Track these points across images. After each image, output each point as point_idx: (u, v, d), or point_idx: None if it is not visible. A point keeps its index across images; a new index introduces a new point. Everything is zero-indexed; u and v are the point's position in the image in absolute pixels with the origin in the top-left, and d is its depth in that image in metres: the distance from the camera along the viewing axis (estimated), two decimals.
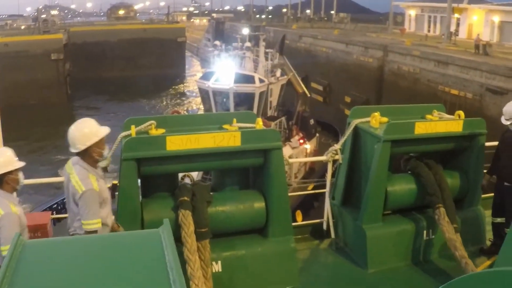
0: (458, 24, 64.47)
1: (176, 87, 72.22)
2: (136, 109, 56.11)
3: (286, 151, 24.62)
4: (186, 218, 5.85)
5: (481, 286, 1.83)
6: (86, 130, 5.23)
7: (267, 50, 30.57)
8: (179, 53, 78.47)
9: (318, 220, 8.23)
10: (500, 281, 1.76)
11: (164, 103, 63.13)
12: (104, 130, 5.31)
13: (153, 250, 2.57)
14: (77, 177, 5.19)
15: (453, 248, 6.77)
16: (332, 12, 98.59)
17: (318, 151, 29.88)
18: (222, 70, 27.48)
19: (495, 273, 1.85)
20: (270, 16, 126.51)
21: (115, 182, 6.33)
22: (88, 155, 5.24)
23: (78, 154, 5.27)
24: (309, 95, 34.74)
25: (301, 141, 28.86)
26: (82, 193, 5.12)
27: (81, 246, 2.78)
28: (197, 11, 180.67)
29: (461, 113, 7.64)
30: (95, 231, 5.13)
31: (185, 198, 6.04)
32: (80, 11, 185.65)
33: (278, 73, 30.47)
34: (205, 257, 5.83)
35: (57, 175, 9.80)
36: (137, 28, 79.31)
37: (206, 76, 28.39)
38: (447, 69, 36.99)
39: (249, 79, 27.11)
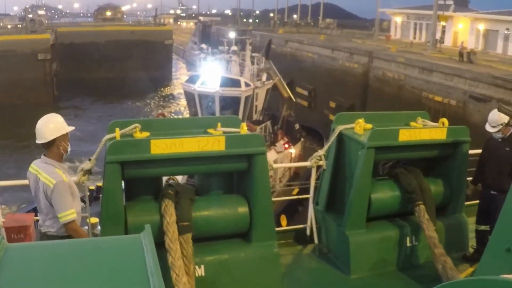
0: (443, 32, 65.01)
1: (163, 89, 71.95)
2: (122, 111, 55.90)
3: (271, 155, 24.60)
4: (168, 208, 5.88)
5: None
6: (54, 124, 5.58)
7: (253, 54, 30.49)
8: (166, 55, 78.10)
9: (301, 226, 8.20)
10: None
11: (151, 105, 62.91)
12: (70, 127, 5.73)
13: (134, 255, 2.55)
14: (44, 173, 5.46)
15: (433, 245, 6.79)
16: (319, 17, 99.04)
17: (303, 155, 29.89)
18: (208, 74, 27.37)
19: (477, 282, 1.83)
20: (257, 20, 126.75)
21: (99, 184, 6.31)
22: (55, 147, 5.56)
23: (45, 146, 5.54)
24: (294, 100, 34.78)
25: (286, 145, 28.84)
26: (53, 186, 5.38)
27: (62, 250, 2.75)
28: (184, 14, 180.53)
29: (445, 120, 7.67)
30: (72, 221, 5.45)
31: (169, 191, 6.09)
32: (67, 11, 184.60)
33: (264, 77, 30.39)
34: (187, 252, 5.76)
35: None
36: (125, 29, 78.71)
37: (192, 79, 28.23)
38: (431, 76, 37.28)
39: (235, 83, 27.03)
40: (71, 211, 5.45)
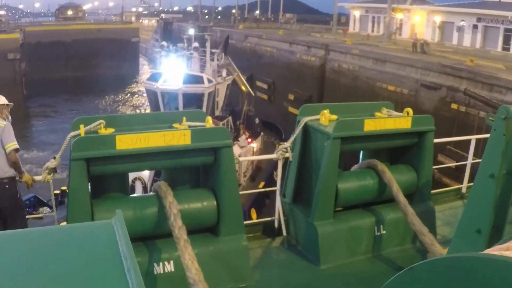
0: (401, 25, 65.75)
1: (131, 86, 71.17)
2: (91, 109, 55.47)
3: (235, 150, 24.37)
4: (172, 201, 5.85)
5: (441, 271, 1.79)
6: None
7: (213, 50, 30.25)
8: (133, 53, 77.42)
9: (269, 218, 7.96)
10: (457, 267, 1.73)
11: (119, 102, 62.27)
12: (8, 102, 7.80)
13: (106, 240, 2.39)
14: None
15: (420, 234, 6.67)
16: (280, 13, 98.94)
17: (263, 149, 29.95)
18: (170, 71, 26.86)
19: (453, 259, 1.78)
20: (219, 17, 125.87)
21: (64, 188, 6.05)
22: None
23: None
24: (253, 95, 34.72)
25: (249, 140, 28.73)
26: (4, 126, 7.37)
27: (31, 238, 2.55)
28: (146, 12, 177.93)
29: (410, 110, 7.54)
30: (18, 149, 7.37)
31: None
32: (28, 11, 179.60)
33: (224, 73, 30.22)
34: None
35: None
36: (91, 28, 77.77)
37: (153, 77, 27.67)
38: (384, 66, 37.65)
39: (197, 80, 26.72)
40: (14, 143, 7.32)
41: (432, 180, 7.83)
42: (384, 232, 7.35)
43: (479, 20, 54.01)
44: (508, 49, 49.42)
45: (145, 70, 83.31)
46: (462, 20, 54.98)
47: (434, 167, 7.82)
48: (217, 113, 28.69)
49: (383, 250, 7.34)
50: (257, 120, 32.10)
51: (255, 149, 28.88)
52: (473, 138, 9.53)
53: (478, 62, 34.44)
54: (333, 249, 7.04)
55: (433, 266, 1.81)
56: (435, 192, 8.14)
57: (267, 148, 30.63)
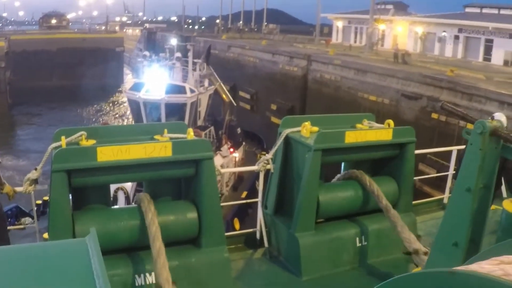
0: (383, 35, 66.19)
1: (115, 96, 70.78)
2: (75, 118, 55.29)
3: (217, 160, 24.29)
4: (153, 214, 5.80)
5: (415, 285, 1.79)
6: None
7: (195, 60, 30.21)
8: (117, 62, 77.06)
9: (251, 230, 7.92)
10: (433, 282, 1.73)
11: (103, 111, 61.97)
12: None
13: (80, 258, 2.39)
14: None
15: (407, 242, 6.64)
16: (264, 23, 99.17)
17: (245, 159, 29.87)
18: (153, 81, 26.73)
19: (429, 274, 1.77)
20: (203, 27, 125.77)
21: (46, 198, 5.99)
22: None
23: None
24: (235, 104, 34.77)
25: (231, 149, 28.70)
26: None
27: (4, 256, 2.52)
28: (130, 21, 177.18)
29: (391, 122, 7.58)
30: None
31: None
32: (12, 19, 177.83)
33: (206, 83, 30.19)
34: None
35: None
36: (76, 37, 77.32)
37: (135, 87, 27.46)
38: (365, 76, 37.87)
39: (180, 90, 26.65)
40: None
41: (413, 190, 7.86)
42: (366, 243, 7.33)
43: (460, 31, 54.77)
44: (489, 60, 50.09)
45: (128, 80, 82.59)
46: (444, 31, 55.64)
47: (415, 177, 7.83)
48: (199, 123, 28.68)
49: (365, 261, 7.32)
50: (239, 130, 32.16)
51: (237, 159, 28.84)
52: (455, 149, 9.60)
53: (459, 72, 34.84)
54: (315, 260, 7.00)
55: (407, 281, 1.81)
56: (417, 203, 8.17)
57: (248, 157, 30.68)
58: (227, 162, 26.62)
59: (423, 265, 6.38)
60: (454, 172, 7.71)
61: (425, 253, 6.51)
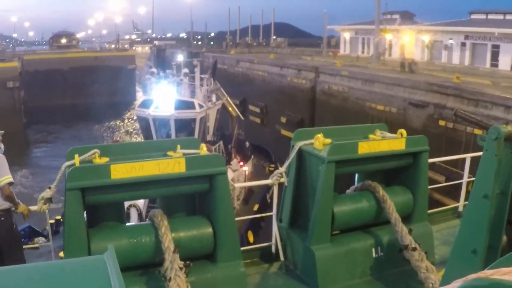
0: (391, 45, 65.99)
1: (128, 113, 71.10)
2: (89, 137, 55.67)
3: (228, 174, 24.21)
4: (168, 231, 5.79)
5: None
6: None
7: (202, 76, 30.30)
8: (129, 80, 77.30)
9: (266, 244, 7.81)
10: None
11: (117, 129, 62.19)
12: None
13: (99, 276, 2.36)
14: None
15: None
16: (272, 37, 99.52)
17: (254, 172, 29.82)
18: (161, 97, 26.80)
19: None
20: (212, 43, 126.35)
21: (58, 217, 5.94)
22: None
23: None
24: (243, 118, 34.85)
25: (241, 163, 28.67)
26: None
27: (24, 275, 2.52)
28: (139, 39, 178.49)
29: (403, 131, 7.46)
30: (12, 182, 7.13)
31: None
32: (22, 39, 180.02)
33: (214, 98, 30.28)
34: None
35: None
36: (88, 56, 77.84)
37: (144, 104, 27.55)
38: (373, 86, 37.83)
39: (189, 105, 26.71)
40: (8, 176, 7.13)
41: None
42: (382, 253, 7.22)
43: (466, 37, 54.56)
44: (496, 65, 49.80)
45: (139, 97, 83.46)
46: (450, 39, 55.43)
47: (429, 186, 7.71)
48: (208, 137, 28.69)
49: (382, 272, 7.19)
50: (247, 144, 32.20)
51: (246, 172, 28.79)
52: (468, 156, 9.46)
53: (465, 79, 34.70)
54: (331, 272, 6.89)
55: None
56: (432, 212, 8.04)
57: (257, 171, 30.67)
58: (237, 175, 26.59)
59: (413, 262, 6.30)
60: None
61: (413, 249, 6.44)
